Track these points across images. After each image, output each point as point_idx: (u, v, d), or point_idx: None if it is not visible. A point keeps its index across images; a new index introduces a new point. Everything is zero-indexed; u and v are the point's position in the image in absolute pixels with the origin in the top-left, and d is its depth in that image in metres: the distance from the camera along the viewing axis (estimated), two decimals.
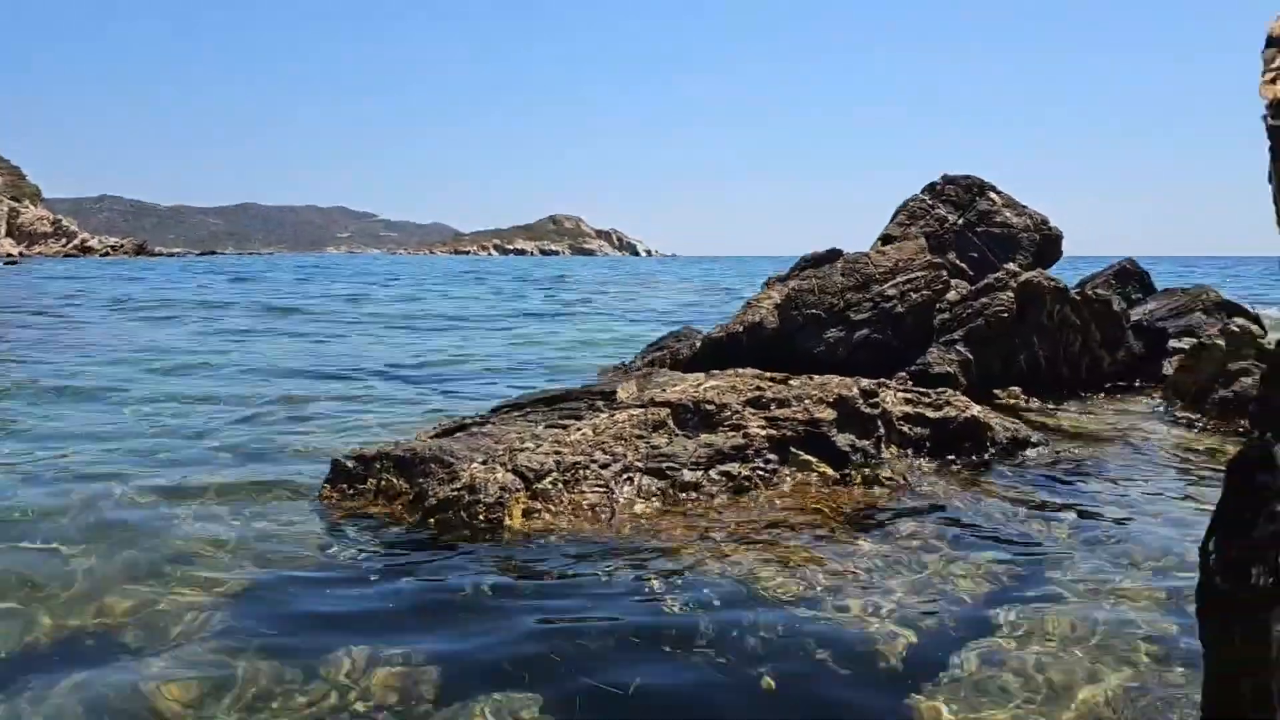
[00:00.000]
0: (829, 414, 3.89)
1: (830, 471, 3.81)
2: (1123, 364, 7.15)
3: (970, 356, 6.50)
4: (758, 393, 4.00)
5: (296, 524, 3.37)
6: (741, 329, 6.91)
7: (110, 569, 2.95)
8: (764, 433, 3.77)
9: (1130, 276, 10.12)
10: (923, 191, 10.03)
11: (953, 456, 4.25)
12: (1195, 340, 7.26)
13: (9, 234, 78.80)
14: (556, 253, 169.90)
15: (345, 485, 3.54)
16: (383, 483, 3.49)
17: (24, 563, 3.00)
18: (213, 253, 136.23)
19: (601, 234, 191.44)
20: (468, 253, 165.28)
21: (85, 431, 5.17)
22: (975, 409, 4.41)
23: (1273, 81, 1.14)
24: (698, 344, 7.14)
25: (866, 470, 3.85)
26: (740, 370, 4.68)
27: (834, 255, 7.74)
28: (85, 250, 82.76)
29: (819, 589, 2.80)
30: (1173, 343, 7.74)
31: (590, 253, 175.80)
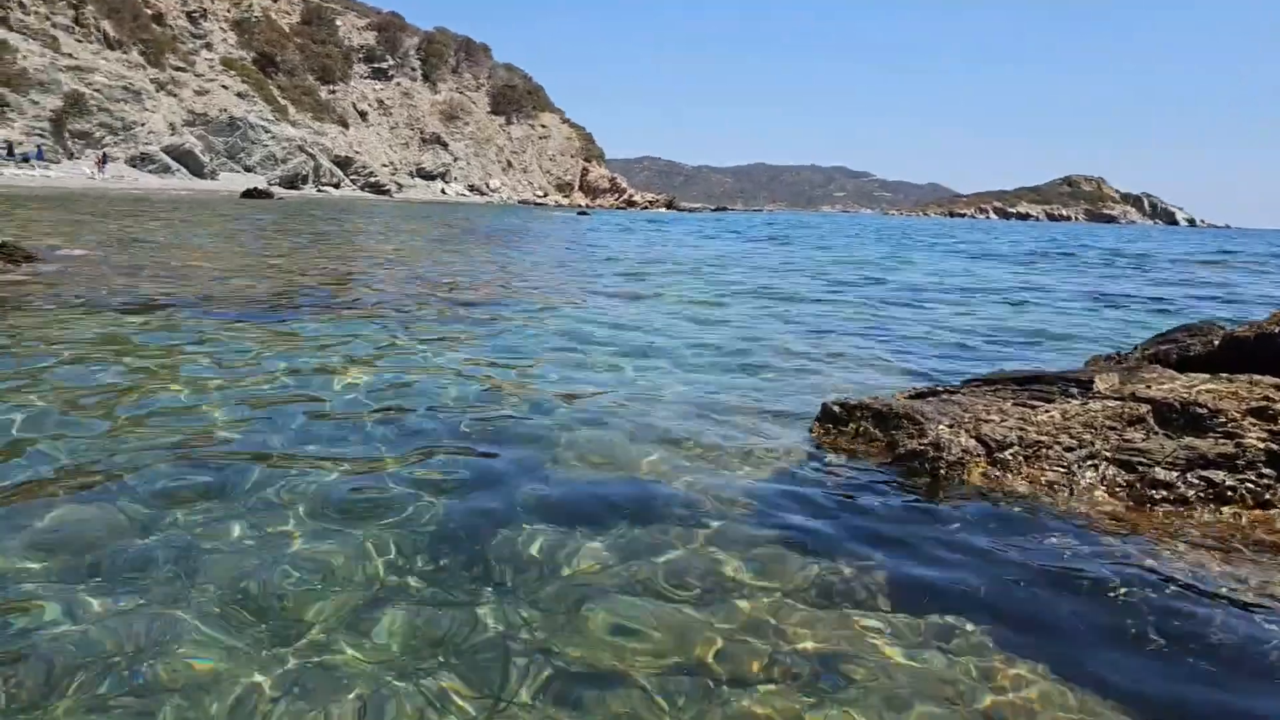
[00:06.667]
0: None
1: None
2: None
3: None
4: (1265, 402, 3.72)
5: (791, 446, 4.34)
6: (1278, 329, 5.97)
7: (635, 448, 4.24)
8: (1263, 445, 3.54)
9: None
10: None
11: None
12: None
13: (580, 188, 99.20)
14: (1067, 218, 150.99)
15: (830, 425, 4.37)
16: (861, 428, 4.23)
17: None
18: (724, 209, 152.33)
19: (1128, 198, 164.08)
20: (964, 215, 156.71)
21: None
22: None
23: None
24: (1215, 342, 6.36)
25: None
26: (1257, 377, 4.28)
27: None
28: (630, 204, 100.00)
29: None
30: None
31: (1111, 219, 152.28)
